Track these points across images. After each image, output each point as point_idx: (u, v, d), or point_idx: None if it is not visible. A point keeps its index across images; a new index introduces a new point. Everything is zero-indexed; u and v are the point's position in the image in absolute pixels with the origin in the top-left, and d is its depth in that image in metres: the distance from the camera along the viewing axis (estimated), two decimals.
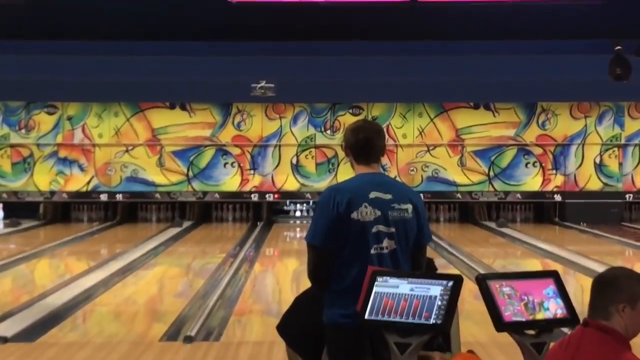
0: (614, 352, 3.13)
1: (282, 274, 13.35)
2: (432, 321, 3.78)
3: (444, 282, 3.85)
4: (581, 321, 3.31)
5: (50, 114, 19.71)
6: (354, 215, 4.10)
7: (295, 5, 8.00)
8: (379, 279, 3.93)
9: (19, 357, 7.32)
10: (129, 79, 16.30)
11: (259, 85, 14.47)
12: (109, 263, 13.29)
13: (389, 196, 4.15)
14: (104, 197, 19.74)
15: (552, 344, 3.60)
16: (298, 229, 18.09)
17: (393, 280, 3.91)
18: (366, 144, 4.24)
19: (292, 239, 17.93)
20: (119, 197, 19.72)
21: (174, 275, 13.09)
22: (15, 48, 10.63)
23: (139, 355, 7.41)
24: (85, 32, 8.38)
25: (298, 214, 20.61)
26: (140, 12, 8.11)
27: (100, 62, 14.05)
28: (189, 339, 7.89)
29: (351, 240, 4.10)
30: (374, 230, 4.10)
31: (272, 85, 14.51)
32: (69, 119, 19.73)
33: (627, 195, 19.91)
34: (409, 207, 4.18)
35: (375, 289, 3.91)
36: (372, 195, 4.13)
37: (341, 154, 4.39)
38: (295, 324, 4.44)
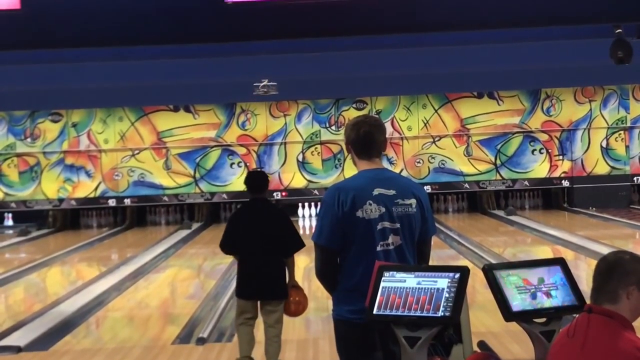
0: (623, 337, 3.13)
1: None
2: (440, 313, 3.78)
3: (451, 274, 3.84)
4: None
5: (54, 121, 19.75)
6: (359, 213, 4.09)
7: (293, 3, 8.00)
8: (386, 274, 3.93)
9: None
10: (132, 83, 16.34)
11: (262, 85, 14.47)
12: (120, 268, 13.32)
13: (392, 192, 4.14)
14: (112, 202, 19.78)
15: None
16: (307, 227, 18.07)
17: (400, 275, 3.91)
18: (367, 139, 4.22)
19: (302, 236, 17.87)
20: (127, 201, 19.76)
21: (185, 278, 13.12)
22: (16, 58, 10.66)
23: (152, 359, 7.43)
24: (86, 39, 8.38)
25: (307, 214, 20.37)
26: (139, 17, 8.12)
27: (103, 68, 14.08)
28: (201, 341, 7.91)
29: (357, 238, 4.09)
30: (379, 227, 4.09)
31: (275, 83, 14.50)
32: (74, 125, 19.77)
33: (635, 178, 19.86)
34: (413, 201, 4.17)
35: (382, 284, 3.91)
36: (376, 192, 4.12)
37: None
38: None
